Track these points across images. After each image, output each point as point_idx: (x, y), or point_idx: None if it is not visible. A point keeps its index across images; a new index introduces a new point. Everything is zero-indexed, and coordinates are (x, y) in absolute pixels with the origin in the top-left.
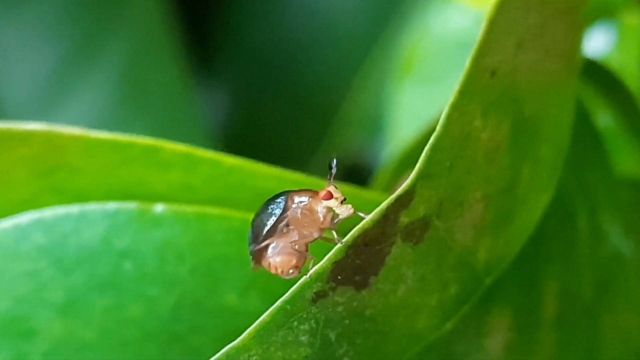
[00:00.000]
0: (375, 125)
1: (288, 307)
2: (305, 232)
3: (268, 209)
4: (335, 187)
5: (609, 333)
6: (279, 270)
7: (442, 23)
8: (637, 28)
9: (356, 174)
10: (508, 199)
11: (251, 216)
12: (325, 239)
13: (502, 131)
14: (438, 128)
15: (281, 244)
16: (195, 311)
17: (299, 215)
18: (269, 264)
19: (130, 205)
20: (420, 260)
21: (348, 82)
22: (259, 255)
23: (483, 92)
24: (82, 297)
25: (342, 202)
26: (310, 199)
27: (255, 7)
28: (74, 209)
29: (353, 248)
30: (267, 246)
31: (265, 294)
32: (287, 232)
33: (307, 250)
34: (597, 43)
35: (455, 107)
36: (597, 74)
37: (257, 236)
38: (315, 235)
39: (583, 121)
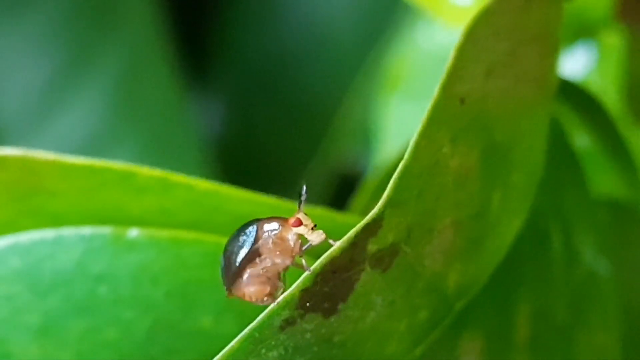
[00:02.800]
0: (369, 136)
1: (256, 334)
2: (278, 260)
3: (239, 240)
4: (305, 214)
5: (584, 353)
6: (253, 299)
7: (429, 39)
8: (617, 47)
9: (350, 184)
10: (478, 224)
11: (226, 241)
12: (297, 266)
13: (471, 158)
14: (406, 156)
15: (254, 274)
16: (170, 334)
17: (271, 245)
18: (244, 293)
19: (105, 230)
20: (389, 286)
21: (342, 93)
22: (232, 285)
23: (452, 119)
24: (58, 321)
25: (312, 229)
26: (280, 227)
27: (249, 17)
28: (50, 233)
29: (321, 275)
30: (240, 276)
31: (240, 317)
32: (260, 261)
33: (279, 278)
34: (577, 63)
35: (424, 135)
36: (574, 95)
37: (230, 267)
38: (288, 262)
39: (559, 142)
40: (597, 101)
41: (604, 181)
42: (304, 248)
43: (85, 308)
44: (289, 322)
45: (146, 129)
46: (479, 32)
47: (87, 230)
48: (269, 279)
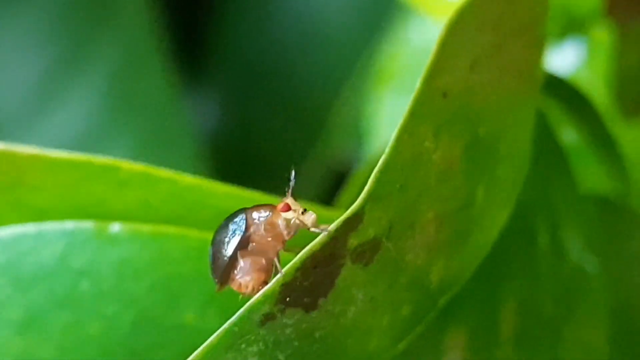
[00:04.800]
0: (363, 132)
1: (235, 329)
2: (270, 247)
3: (228, 230)
4: (294, 199)
5: (571, 348)
6: (249, 289)
7: (421, 35)
8: (607, 43)
9: (346, 180)
10: (462, 218)
11: (210, 235)
12: (289, 251)
13: (454, 151)
14: (387, 150)
15: (247, 262)
16: (153, 329)
17: (262, 231)
18: (239, 284)
19: (88, 224)
20: (370, 281)
21: (338, 89)
22: (225, 277)
23: (434, 113)
24: (41, 315)
25: (302, 213)
26: (270, 213)
27: (244, 13)
28: (32, 227)
29: (301, 270)
30: (233, 267)
31: (223, 311)
32: (252, 249)
33: (273, 265)
34: (566, 58)
35: (405, 129)
36: (561, 89)
37: (221, 258)
38: (279, 247)
39: (546, 137)
40: (584, 96)
41: (592, 176)
42: (295, 232)
43: (67, 302)
44: (268, 317)
45: (141, 125)
46: (462, 25)
47: (69, 224)
48: (262, 266)
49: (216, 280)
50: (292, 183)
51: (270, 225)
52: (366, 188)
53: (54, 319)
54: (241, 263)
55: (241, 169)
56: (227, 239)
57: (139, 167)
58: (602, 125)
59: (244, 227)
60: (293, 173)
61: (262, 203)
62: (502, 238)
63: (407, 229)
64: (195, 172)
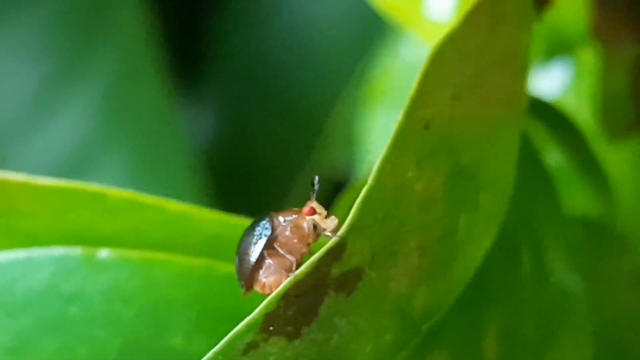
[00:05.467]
0: (356, 147)
1: (220, 357)
2: (294, 250)
3: (255, 233)
4: (318, 203)
5: None
6: (274, 289)
7: (413, 51)
8: (594, 65)
9: (342, 190)
10: (445, 247)
11: (197, 261)
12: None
13: (437, 181)
14: (370, 181)
15: (273, 264)
16: (141, 354)
17: (288, 233)
18: (263, 285)
19: (77, 251)
20: (353, 309)
21: (334, 100)
22: (250, 280)
23: (417, 144)
24: (30, 340)
25: (326, 216)
26: (296, 216)
27: (240, 24)
28: (21, 253)
29: (285, 299)
30: (259, 268)
31: (210, 336)
32: (278, 251)
33: (297, 268)
34: (554, 80)
35: (388, 161)
36: (547, 113)
37: (247, 261)
38: (305, 250)
39: (531, 159)
40: (569, 119)
41: (577, 199)
42: (319, 235)
43: (56, 328)
44: (252, 346)
45: (136, 136)
46: (444, 57)
47: (58, 250)
48: (288, 267)
49: (242, 283)
50: (316, 187)
51: (296, 228)
52: (348, 219)
53: (43, 344)
54: (267, 264)
55: (237, 179)
56: (253, 242)
57: (126, 194)
58: (587, 147)
59: (270, 229)
60: (317, 178)
61: (245, 227)
62: (485, 263)
63: (389, 257)
64: (191, 182)
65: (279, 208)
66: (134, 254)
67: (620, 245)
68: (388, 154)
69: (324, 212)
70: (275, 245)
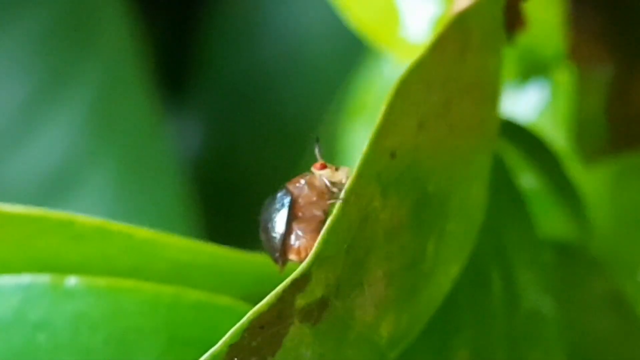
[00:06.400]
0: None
1: None
2: (317, 207)
3: (275, 205)
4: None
5: None
6: (308, 251)
7: (394, 67)
8: (569, 86)
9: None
10: (412, 275)
11: (165, 288)
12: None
13: (403, 210)
14: (334, 212)
15: (302, 227)
16: None
17: (307, 192)
18: (298, 250)
19: (44, 278)
20: (319, 339)
21: (320, 113)
22: (285, 251)
23: (382, 173)
24: None
25: (336, 169)
26: (307, 177)
27: (227, 38)
28: None
29: (249, 330)
30: (290, 234)
31: None
32: (302, 214)
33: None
34: (530, 100)
35: (352, 191)
36: (520, 135)
37: (275, 234)
38: (326, 207)
39: (504, 182)
40: (543, 141)
41: (552, 221)
42: (335, 187)
43: (24, 356)
44: None
45: (122, 150)
46: (409, 86)
47: (25, 278)
48: (316, 226)
49: (277, 257)
50: (318, 144)
51: (312, 185)
52: (313, 250)
53: None
54: (296, 230)
55: (224, 193)
56: (277, 213)
57: (93, 221)
58: (561, 170)
59: (288, 197)
60: (318, 137)
61: (215, 260)
62: (454, 289)
63: (355, 287)
64: (177, 197)
65: None
66: (101, 282)
67: (594, 268)
68: (353, 184)
69: (333, 167)
70: (298, 210)
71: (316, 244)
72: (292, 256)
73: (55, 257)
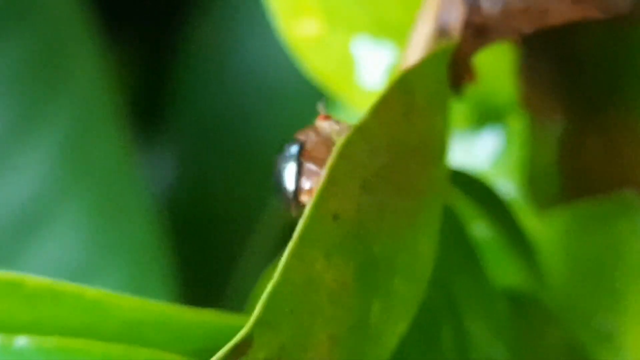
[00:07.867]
0: None
1: None
2: (323, 150)
3: (285, 154)
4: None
5: None
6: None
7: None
8: (523, 133)
9: None
10: (357, 336)
11: (115, 347)
12: None
13: (347, 272)
14: (276, 276)
15: (310, 170)
16: None
17: (314, 137)
18: (309, 190)
19: None
20: None
21: None
22: (297, 191)
23: (325, 236)
24: None
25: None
26: (313, 126)
27: (199, 72)
28: None
29: None
30: (301, 176)
31: None
32: (311, 157)
33: None
34: (485, 147)
35: (295, 255)
36: (472, 186)
37: (289, 176)
38: (332, 149)
39: (455, 233)
40: (494, 192)
41: (504, 271)
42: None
43: None
44: None
45: (94, 187)
46: (352, 148)
47: None
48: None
49: (290, 199)
50: (323, 103)
51: (318, 132)
52: (254, 314)
53: None
54: (307, 172)
55: (198, 227)
56: (286, 164)
57: (43, 282)
58: (513, 219)
59: (297, 142)
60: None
61: (166, 319)
62: (403, 343)
63: (299, 351)
64: (149, 232)
65: (238, 256)
66: (51, 341)
67: (548, 317)
68: (295, 248)
69: (334, 120)
70: (307, 153)
71: (254, 313)
72: (305, 197)
73: (4, 318)
